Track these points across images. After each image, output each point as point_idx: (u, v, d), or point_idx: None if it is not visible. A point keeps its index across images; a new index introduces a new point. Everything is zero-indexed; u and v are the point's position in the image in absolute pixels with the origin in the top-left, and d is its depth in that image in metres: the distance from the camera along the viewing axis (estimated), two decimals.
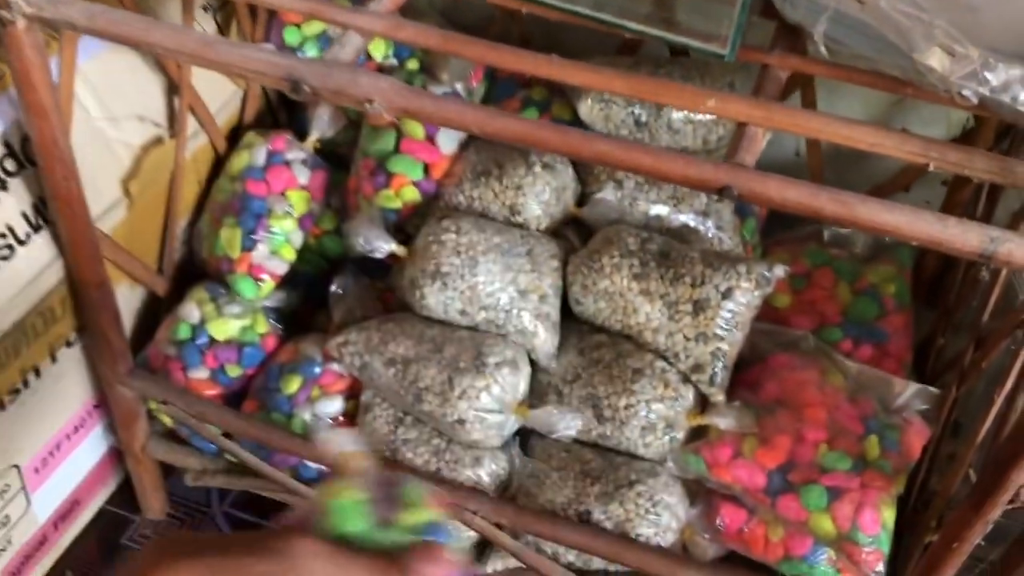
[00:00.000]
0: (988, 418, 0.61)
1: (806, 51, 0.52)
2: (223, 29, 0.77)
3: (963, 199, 0.81)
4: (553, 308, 0.71)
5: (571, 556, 0.68)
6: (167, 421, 0.75)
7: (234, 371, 0.74)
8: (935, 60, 0.43)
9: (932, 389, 0.71)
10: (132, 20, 0.48)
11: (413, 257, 0.70)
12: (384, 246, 0.70)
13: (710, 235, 0.77)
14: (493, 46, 0.48)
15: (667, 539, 0.66)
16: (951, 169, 0.43)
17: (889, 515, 0.65)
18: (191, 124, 0.74)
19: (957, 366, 0.71)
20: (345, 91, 0.45)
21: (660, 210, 0.76)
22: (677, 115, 0.73)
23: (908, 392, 0.72)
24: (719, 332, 0.67)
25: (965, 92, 0.43)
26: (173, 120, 0.72)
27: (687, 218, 0.77)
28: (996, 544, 0.58)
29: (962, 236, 0.40)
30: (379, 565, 0.31)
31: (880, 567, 0.64)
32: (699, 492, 0.69)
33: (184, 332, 0.73)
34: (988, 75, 0.43)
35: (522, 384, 0.69)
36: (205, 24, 0.75)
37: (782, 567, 0.67)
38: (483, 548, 0.70)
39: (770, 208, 0.43)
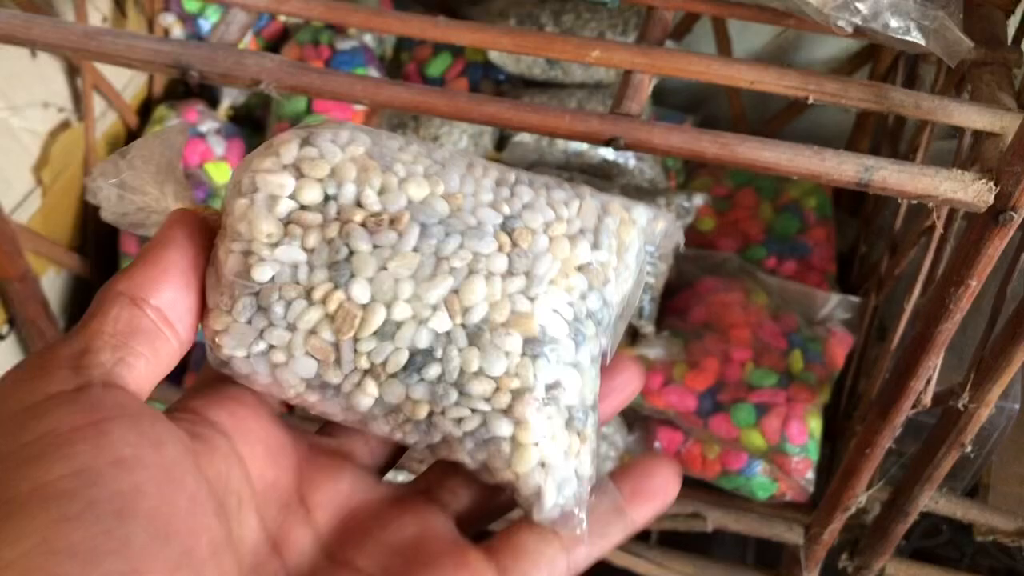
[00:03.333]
0: (899, 326, 0.63)
1: None
2: (120, 2, 0.75)
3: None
4: None
5: None
6: None
7: None
8: None
9: (852, 298, 0.74)
10: (10, 18, 0.47)
11: None
12: None
13: (631, 166, 0.78)
14: (377, 13, 0.48)
15: (607, 468, 0.69)
16: (830, 101, 0.44)
17: (816, 424, 0.68)
18: (98, 104, 0.73)
19: (875, 274, 0.73)
20: (231, 74, 0.45)
21: (579, 147, 0.77)
22: None
23: (830, 303, 0.74)
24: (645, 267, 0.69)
25: (840, 23, 0.44)
26: (79, 102, 0.71)
27: (607, 152, 0.78)
28: (915, 439, 0.62)
29: (838, 167, 0.42)
30: None
31: (810, 474, 0.67)
32: (635, 419, 0.72)
33: None
34: (859, 5, 0.44)
35: None
36: (99, 1, 0.73)
37: (721, 482, 0.71)
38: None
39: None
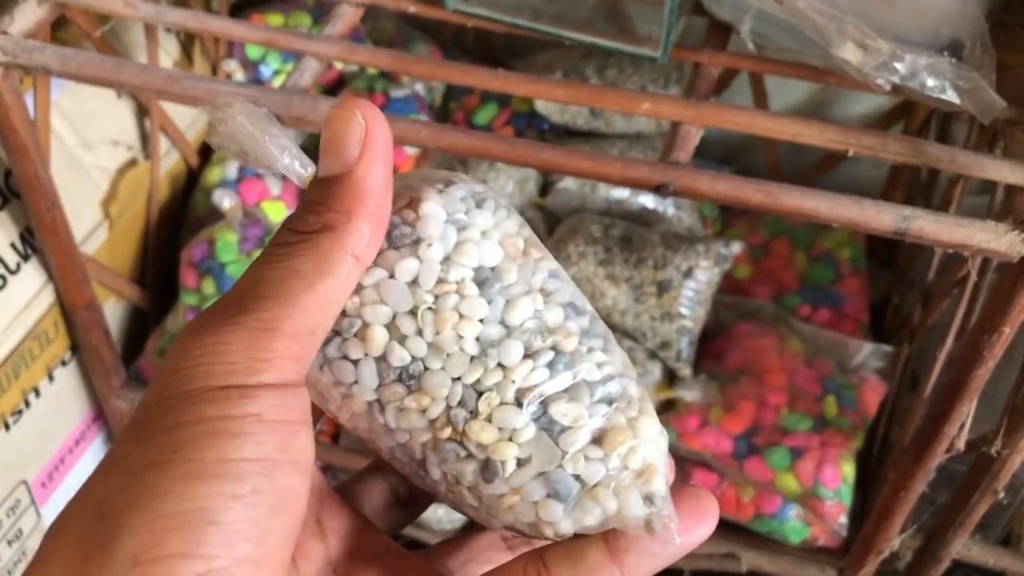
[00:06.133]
0: (932, 374, 0.65)
1: (738, 47, 0.55)
2: (187, 48, 0.79)
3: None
4: None
5: None
6: None
7: None
8: (849, 53, 0.47)
9: (885, 347, 0.75)
10: (101, 62, 0.51)
11: None
12: None
13: (669, 214, 0.81)
14: (441, 64, 0.51)
15: None
16: (868, 153, 0.47)
17: (849, 469, 0.69)
18: (163, 143, 0.77)
19: (907, 324, 0.75)
20: (306, 118, 0.48)
21: (620, 194, 0.80)
22: None
23: (863, 352, 0.76)
24: (682, 311, 0.71)
25: (879, 81, 0.47)
26: (146, 141, 0.75)
27: (646, 200, 0.80)
28: (948, 487, 0.63)
29: (877, 216, 0.44)
30: None
31: (843, 518, 0.68)
32: (672, 460, 0.73)
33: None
34: (897, 65, 0.46)
35: None
36: (169, 46, 0.77)
37: (755, 525, 0.72)
38: None
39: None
